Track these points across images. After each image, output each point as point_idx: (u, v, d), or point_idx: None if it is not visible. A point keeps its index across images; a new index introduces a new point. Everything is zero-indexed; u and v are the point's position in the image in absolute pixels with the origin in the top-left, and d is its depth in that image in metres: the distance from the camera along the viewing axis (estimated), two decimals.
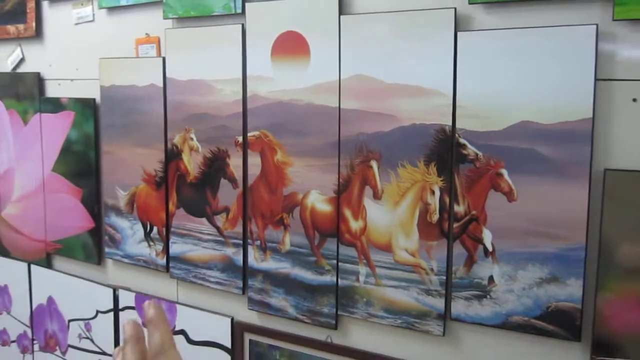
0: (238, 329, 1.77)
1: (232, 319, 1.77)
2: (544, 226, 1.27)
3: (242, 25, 1.63)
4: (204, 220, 1.78)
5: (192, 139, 1.77)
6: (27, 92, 2.23)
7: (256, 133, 1.64)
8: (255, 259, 1.69)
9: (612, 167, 1.21)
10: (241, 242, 1.72)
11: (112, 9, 1.97)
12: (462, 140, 1.33)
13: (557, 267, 1.27)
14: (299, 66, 1.54)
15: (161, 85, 1.82)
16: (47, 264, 2.29)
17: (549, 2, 1.25)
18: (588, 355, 1.26)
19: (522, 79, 1.26)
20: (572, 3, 1.23)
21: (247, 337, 1.75)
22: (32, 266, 2.32)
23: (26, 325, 2.38)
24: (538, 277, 1.29)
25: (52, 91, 2.19)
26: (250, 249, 1.70)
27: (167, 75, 1.81)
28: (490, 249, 1.34)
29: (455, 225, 1.37)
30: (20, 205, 2.33)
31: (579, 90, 1.21)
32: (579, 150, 1.22)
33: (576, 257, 1.24)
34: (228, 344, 1.78)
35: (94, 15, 2.03)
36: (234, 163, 1.69)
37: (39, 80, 2.20)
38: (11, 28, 2.25)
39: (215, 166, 1.73)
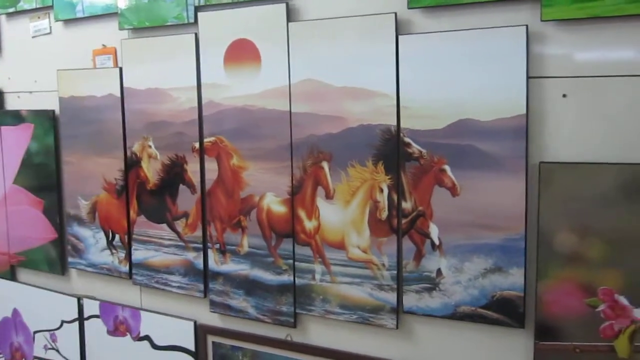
0: (201, 331, 1.79)
1: (195, 322, 1.80)
2: (486, 218, 1.33)
3: (195, 34, 1.68)
4: (164, 226, 1.81)
5: (150, 146, 1.80)
6: None
7: (212, 139, 1.67)
8: (215, 262, 1.72)
9: (547, 160, 1.28)
10: (201, 246, 1.75)
11: (68, 21, 1.99)
12: (406, 139, 1.39)
13: (500, 257, 1.32)
14: (251, 72, 1.59)
15: (119, 95, 1.85)
16: (11, 276, 2.28)
17: (482, 5, 1.31)
18: (532, 340, 1.32)
19: (459, 79, 1.32)
20: (503, 6, 1.29)
21: (210, 339, 1.78)
22: None
23: None
24: (483, 268, 1.34)
25: (11, 104, 2.20)
26: (210, 253, 1.73)
27: (125, 84, 1.83)
28: (437, 242, 1.39)
29: (404, 221, 1.43)
30: None
31: (512, 88, 1.27)
32: (515, 145, 1.28)
33: (517, 247, 1.30)
34: (192, 347, 1.81)
35: (50, 27, 2.05)
36: (192, 169, 1.73)
37: None
38: None
39: (174, 172, 1.76)
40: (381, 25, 1.40)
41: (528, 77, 1.26)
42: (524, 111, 1.26)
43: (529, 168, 1.28)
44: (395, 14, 1.38)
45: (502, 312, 1.33)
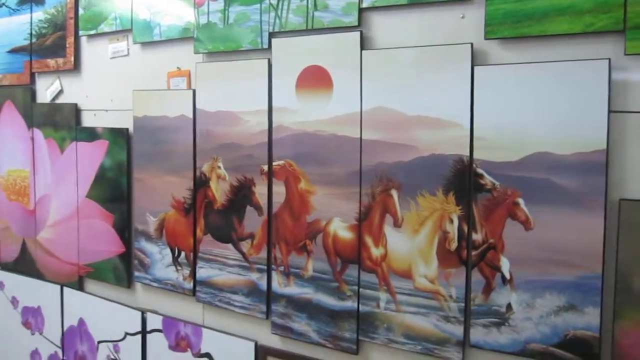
0: (261, 352, 1.81)
1: (256, 343, 1.82)
2: (561, 255, 1.30)
3: (268, 59, 1.71)
4: (229, 245, 1.84)
5: (219, 167, 1.84)
6: (64, 122, 2.34)
7: (281, 162, 1.70)
8: (278, 284, 1.74)
9: (627, 197, 1.24)
10: (265, 267, 1.77)
11: (145, 44, 2.07)
12: (479, 170, 1.38)
13: (575, 295, 1.29)
14: (323, 98, 1.61)
15: (191, 116, 1.90)
16: (79, 286, 2.37)
17: (562, 38, 1.29)
18: None
19: (537, 111, 1.30)
20: (584, 38, 1.27)
21: None
22: (65, 288, 2.41)
23: (57, 346, 2.45)
24: (556, 305, 1.31)
25: (88, 121, 2.30)
26: (274, 275, 1.75)
27: (197, 106, 1.89)
28: (508, 277, 1.36)
29: (474, 253, 1.41)
30: (55, 230, 2.43)
31: (593, 121, 1.24)
32: (594, 181, 1.25)
33: (593, 286, 1.26)
34: None
35: (128, 49, 2.14)
36: (259, 191, 1.76)
37: (76, 111, 2.32)
38: (51, 62, 2.38)
39: (242, 194, 1.80)
40: (457, 55, 1.39)
41: (609, 111, 1.23)
42: (604, 146, 1.23)
43: (608, 205, 1.25)
44: (472, 44, 1.38)
45: (575, 352, 1.29)
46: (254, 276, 1.80)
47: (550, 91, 1.29)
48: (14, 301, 2.62)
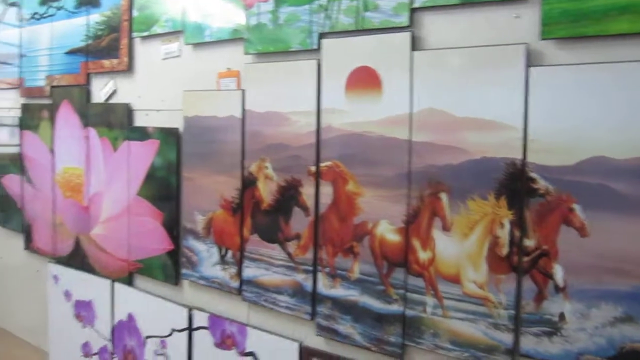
0: (305, 353, 1.80)
1: (300, 344, 1.82)
2: (618, 263, 1.25)
3: (318, 60, 1.71)
4: (276, 246, 1.85)
5: (267, 167, 1.85)
6: (117, 122, 2.40)
7: (329, 163, 1.70)
8: (324, 285, 1.73)
9: None
10: (311, 268, 1.77)
11: (197, 45, 2.11)
12: (532, 174, 1.34)
13: (632, 306, 1.23)
14: (372, 99, 1.59)
15: (240, 116, 1.92)
16: (129, 282, 2.42)
17: (622, 38, 1.24)
18: None
19: (595, 114, 1.26)
20: None
21: None
22: (115, 284, 2.47)
23: (107, 340, 2.52)
24: (612, 316, 1.26)
25: (140, 120, 2.35)
26: (319, 276, 1.75)
27: (246, 107, 1.91)
28: (561, 285, 1.32)
29: (525, 259, 1.37)
30: (107, 226, 2.49)
31: None
32: None
33: None
34: None
35: (180, 50, 2.18)
36: (307, 192, 1.76)
37: (128, 111, 2.37)
38: (106, 62, 2.44)
39: (289, 194, 1.80)
40: (511, 56, 1.36)
41: None
42: None
43: None
44: (527, 44, 1.34)
45: None
46: (300, 277, 1.80)
47: (609, 93, 1.24)
48: (67, 294, 2.70)
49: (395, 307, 1.58)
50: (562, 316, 1.32)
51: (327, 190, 1.71)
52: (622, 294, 1.24)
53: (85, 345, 2.63)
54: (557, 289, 1.32)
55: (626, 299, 1.24)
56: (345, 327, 1.69)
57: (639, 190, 1.21)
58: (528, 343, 1.37)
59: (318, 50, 1.72)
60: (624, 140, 1.23)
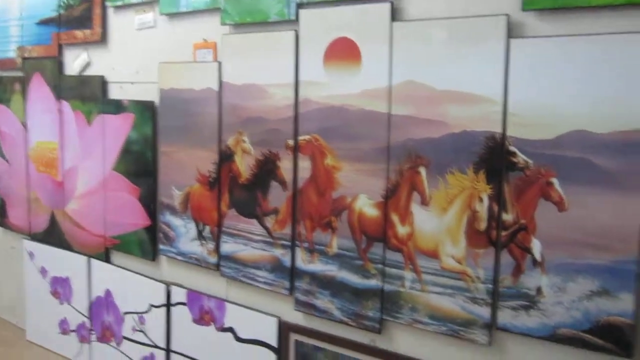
0: (284, 328, 1.80)
1: (279, 319, 1.81)
2: (596, 238, 1.24)
3: (296, 31, 1.67)
4: (254, 221, 1.83)
5: (244, 141, 1.82)
6: (91, 94, 2.34)
7: (307, 137, 1.67)
8: (302, 260, 1.72)
9: None
10: (289, 243, 1.75)
11: (172, 15, 2.04)
12: (512, 148, 1.32)
13: (609, 280, 1.23)
14: (351, 72, 1.56)
15: (217, 89, 1.88)
16: (106, 258, 2.39)
17: (605, 9, 1.22)
18: None
19: (576, 87, 1.24)
20: (629, 10, 1.20)
21: (293, 337, 1.78)
22: (92, 260, 2.43)
23: (85, 316, 2.49)
24: (588, 290, 1.26)
25: (114, 93, 2.29)
26: (298, 251, 1.73)
27: (223, 79, 1.86)
28: (539, 259, 1.31)
29: (504, 233, 1.36)
30: (83, 202, 2.44)
31: (635, 99, 1.17)
32: (634, 161, 1.18)
33: (628, 271, 1.21)
34: (274, 343, 1.81)
35: (155, 21, 2.11)
36: (285, 166, 1.73)
37: (102, 83, 2.31)
38: (79, 33, 2.37)
39: (266, 168, 1.77)
40: (491, 27, 1.33)
41: None
42: None
43: None
44: (508, 15, 1.31)
45: (607, 338, 1.24)
46: (278, 252, 1.78)
47: (591, 66, 1.22)
48: (43, 271, 2.66)
49: (374, 282, 1.58)
50: (539, 290, 1.32)
51: (305, 165, 1.68)
52: (599, 268, 1.24)
53: (63, 322, 2.61)
54: (535, 263, 1.32)
55: (603, 272, 1.24)
56: (324, 302, 1.68)
57: (619, 165, 1.20)
58: (505, 317, 1.37)
59: (296, 21, 1.68)
60: (605, 114, 1.21)
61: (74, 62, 2.43)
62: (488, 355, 1.43)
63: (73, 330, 2.56)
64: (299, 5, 1.68)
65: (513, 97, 1.32)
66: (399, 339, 1.58)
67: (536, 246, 1.32)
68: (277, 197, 1.76)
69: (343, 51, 1.57)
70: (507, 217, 1.35)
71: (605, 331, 1.24)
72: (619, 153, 1.20)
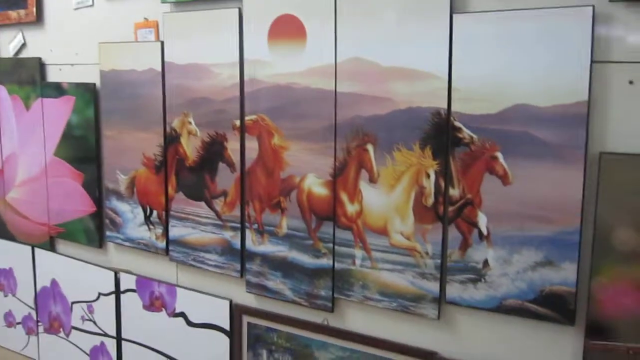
0: (236, 311, 1.78)
1: (231, 302, 1.79)
2: (539, 210, 1.27)
3: (239, 8, 1.63)
4: (202, 204, 1.79)
5: (190, 123, 1.77)
6: (28, 78, 2.24)
7: (253, 117, 1.64)
8: (253, 242, 1.70)
9: (608, 151, 1.21)
10: (239, 225, 1.73)
11: None
12: (457, 124, 1.33)
13: (552, 251, 1.26)
14: (296, 49, 1.54)
15: (160, 69, 1.82)
16: (51, 247, 2.31)
17: None
18: (582, 338, 1.26)
19: (517, 62, 1.25)
20: None
21: (246, 319, 1.77)
22: (36, 249, 2.35)
23: (31, 307, 2.41)
24: (533, 261, 1.29)
25: (53, 76, 2.20)
26: (247, 233, 1.71)
27: (166, 59, 1.81)
28: (485, 232, 1.33)
29: (451, 208, 1.37)
30: (24, 190, 2.35)
31: (574, 72, 1.19)
32: (574, 133, 1.21)
33: (571, 241, 1.24)
34: (227, 326, 1.80)
35: (93, 0, 2.03)
36: (232, 147, 1.70)
37: (40, 65, 2.21)
38: (12, 13, 2.26)
39: (213, 150, 1.74)
40: (434, 2, 1.33)
41: (592, 62, 1.18)
42: (586, 97, 1.19)
43: (588, 158, 1.21)
44: None
45: (551, 307, 1.28)
46: (228, 234, 1.75)
47: (530, 40, 1.23)
48: None
49: (325, 261, 1.57)
50: (485, 263, 1.34)
51: (252, 145, 1.65)
52: (542, 239, 1.27)
53: (8, 315, 2.52)
54: (481, 237, 1.34)
55: (546, 243, 1.27)
56: (275, 283, 1.67)
57: (559, 137, 1.22)
58: (454, 291, 1.39)
59: None
60: (546, 87, 1.23)
61: (9, 43, 2.31)
62: (438, 328, 1.45)
63: (19, 323, 2.48)
64: None
65: (457, 72, 1.32)
66: (351, 317, 1.59)
67: (482, 220, 1.34)
68: (225, 178, 1.73)
69: (287, 28, 1.55)
70: (454, 192, 1.37)
71: (549, 300, 1.28)
72: (559, 125, 1.22)
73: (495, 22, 1.27)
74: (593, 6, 1.17)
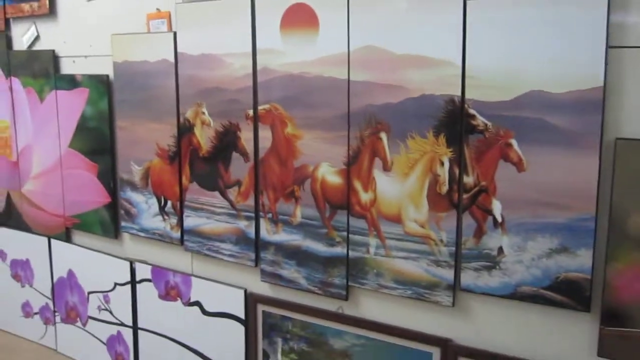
0: (251, 300, 1.79)
1: (246, 291, 1.80)
2: (554, 197, 1.26)
3: None
4: (216, 193, 1.80)
5: (204, 113, 1.78)
6: (42, 70, 2.26)
7: (266, 106, 1.64)
8: (267, 231, 1.71)
9: (624, 137, 1.20)
10: (253, 215, 1.74)
11: None
12: (471, 111, 1.33)
13: (567, 237, 1.26)
14: (308, 39, 1.54)
15: (173, 60, 1.83)
16: (67, 238, 2.34)
17: None
18: (597, 325, 1.26)
19: (531, 48, 1.24)
20: None
21: (260, 308, 1.78)
22: (52, 240, 2.38)
23: (48, 298, 2.44)
24: (548, 248, 1.28)
25: (67, 68, 2.22)
26: (262, 222, 1.72)
27: (179, 50, 1.81)
28: (499, 219, 1.33)
29: (465, 196, 1.37)
30: (39, 182, 2.37)
31: (590, 58, 1.19)
32: (589, 120, 1.20)
33: (586, 228, 1.24)
34: (242, 315, 1.81)
35: None
36: (245, 136, 1.71)
37: (54, 58, 2.23)
38: (25, 6, 2.27)
39: (227, 140, 1.74)
40: None
41: (607, 47, 1.17)
42: (601, 83, 1.18)
43: (603, 144, 1.20)
44: None
45: (566, 294, 1.28)
46: (242, 224, 1.76)
47: (545, 27, 1.23)
48: (2, 254, 2.59)
49: (339, 250, 1.58)
50: (500, 250, 1.34)
51: (266, 134, 1.66)
52: (558, 226, 1.27)
53: (26, 305, 2.55)
54: (496, 224, 1.34)
55: (561, 230, 1.26)
56: (290, 271, 1.68)
57: (574, 124, 1.22)
58: (468, 278, 1.39)
59: None
60: (561, 73, 1.22)
61: (23, 36, 2.33)
62: (452, 316, 1.46)
63: (36, 313, 2.51)
64: None
65: (471, 59, 1.31)
66: (366, 305, 1.59)
67: (497, 207, 1.33)
68: (239, 168, 1.74)
69: (300, 17, 1.55)
70: (468, 179, 1.36)
71: (564, 287, 1.27)
72: (574, 112, 1.21)
73: (509, 8, 1.26)
74: None
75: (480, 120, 1.32)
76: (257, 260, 1.76)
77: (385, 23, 1.42)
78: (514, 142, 1.29)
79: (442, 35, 1.34)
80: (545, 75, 1.24)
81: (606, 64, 1.18)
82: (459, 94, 1.34)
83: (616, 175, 1.20)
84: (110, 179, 2.11)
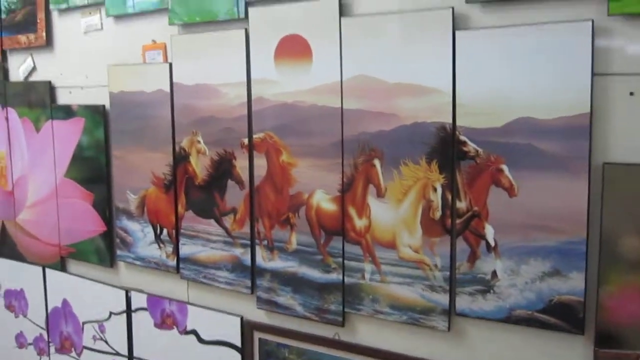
0: (248, 327, 1.80)
1: (242, 318, 1.81)
2: (545, 220, 1.28)
3: (246, 29, 1.67)
4: (212, 221, 1.82)
5: (199, 142, 1.80)
6: (39, 100, 2.28)
7: (261, 135, 1.67)
8: (263, 258, 1.72)
9: (611, 161, 1.23)
10: (249, 242, 1.75)
11: (119, 17, 2.01)
12: (462, 138, 1.35)
13: (559, 260, 1.28)
14: (302, 68, 1.57)
15: (168, 90, 1.86)
16: (62, 267, 2.34)
17: (544, 0, 1.26)
18: (591, 347, 1.27)
19: (519, 76, 1.28)
20: (566, 0, 1.24)
21: (257, 335, 1.78)
22: (47, 270, 2.37)
23: (42, 328, 2.43)
24: (540, 271, 1.30)
25: (63, 99, 2.24)
26: (257, 249, 1.73)
27: (174, 80, 1.84)
28: (492, 244, 1.35)
29: (458, 221, 1.39)
30: (35, 211, 2.38)
31: (576, 85, 1.22)
32: (577, 145, 1.23)
33: (578, 251, 1.26)
34: (238, 343, 1.81)
35: (102, 23, 2.08)
36: (241, 165, 1.73)
37: (50, 89, 2.25)
38: (22, 38, 2.31)
39: (222, 168, 1.77)
40: (437, 20, 1.36)
41: (593, 74, 1.21)
42: (588, 109, 1.21)
43: (592, 169, 1.23)
44: (453, 8, 1.34)
45: (560, 317, 1.29)
46: (238, 251, 1.78)
47: (532, 55, 1.26)
48: None
49: (334, 276, 1.59)
50: (494, 274, 1.36)
51: (261, 163, 1.68)
52: (550, 249, 1.29)
53: (20, 336, 2.54)
54: (489, 248, 1.36)
55: (553, 253, 1.28)
56: (286, 298, 1.69)
57: (563, 149, 1.25)
58: (463, 302, 1.41)
59: (246, 19, 1.67)
60: (549, 100, 1.25)
61: (19, 67, 2.36)
62: (448, 341, 1.47)
63: (30, 344, 2.49)
64: (248, 3, 1.67)
65: (461, 87, 1.35)
66: (362, 331, 1.60)
67: (489, 232, 1.35)
68: (234, 196, 1.76)
69: (293, 48, 1.58)
70: (461, 204, 1.39)
71: (558, 310, 1.29)
72: (562, 137, 1.24)
73: (497, 38, 1.30)
74: (592, 20, 1.20)
75: (471, 146, 1.35)
76: (253, 288, 1.77)
77: (376, 53, 1.45)
78: (504, 167, 1.32)
79: (433, 64, 1.37)
80: (533, 102, 1.27)
81: (592, 90, 1.21)
82: (450, 121, 1.37)
83: (605, 199, 1.23)
84: (105, 207, 2.12)
